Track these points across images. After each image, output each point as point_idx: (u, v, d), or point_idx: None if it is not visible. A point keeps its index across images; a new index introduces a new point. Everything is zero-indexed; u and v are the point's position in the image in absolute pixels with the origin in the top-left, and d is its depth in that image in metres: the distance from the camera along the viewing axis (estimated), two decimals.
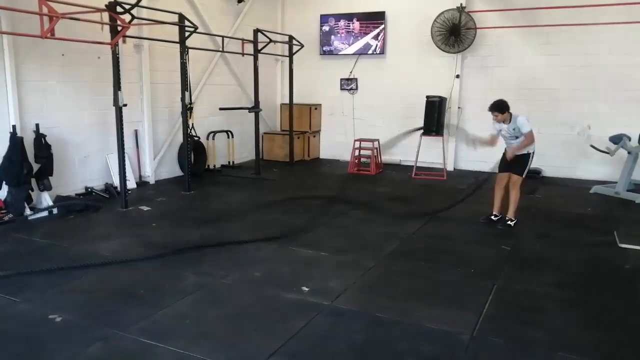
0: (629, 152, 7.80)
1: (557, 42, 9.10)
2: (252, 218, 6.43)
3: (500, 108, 5.88)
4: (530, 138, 5.90)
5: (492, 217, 6.28)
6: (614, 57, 8.73)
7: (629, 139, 7.80)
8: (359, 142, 9.89)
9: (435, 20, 9.59)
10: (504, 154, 6.17)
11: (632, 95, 8.68)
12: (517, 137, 5.96)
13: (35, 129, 6.36)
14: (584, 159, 9.15)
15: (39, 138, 6.35)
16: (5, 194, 6.09)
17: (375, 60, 10.68)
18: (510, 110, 5.92)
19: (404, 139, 9.75)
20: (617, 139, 7.85)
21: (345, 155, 10.56)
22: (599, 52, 8.82)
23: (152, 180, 8.39)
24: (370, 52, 10.59)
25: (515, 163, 6.03)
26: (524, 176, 6.08)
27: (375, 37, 10.44)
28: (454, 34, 9.48)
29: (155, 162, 8.48)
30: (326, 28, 10.90)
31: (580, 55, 8.96)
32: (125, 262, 4.76)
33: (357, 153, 9.88)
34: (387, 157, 10.39)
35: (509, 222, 6.10)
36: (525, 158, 6.02)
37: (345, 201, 7.19)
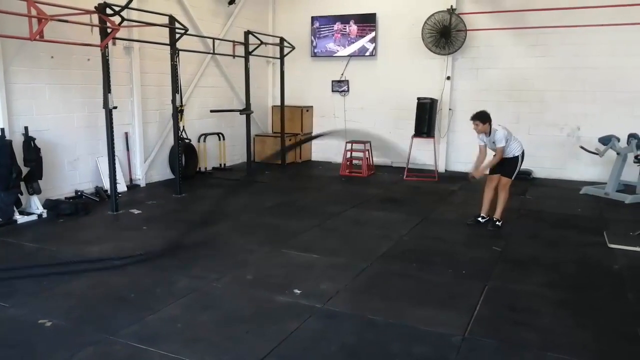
0: (618, 153, 7.88)
1: (547, 44, 9.17)
2: (244, 220, 6.41)
3: (481, 117, 5.97)
4: (499, 154, 5.99)
5: (480, 218, 6.30)
6: (603, 58, 8.81)
7: (618, 140, 7.88)
8: (350, 144, 9.90)
9: (425, 22, 9.63)
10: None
11: (621, 96, 8.77)
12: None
13: (24, 132, 6.31)
14: (573, 160, 9.22)
15: (28, 141, 6.30)
16: None
17: (367, 62, 10.70)
18: (493, 123, 6.02)
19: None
20: (606, 140, 7.93)
21: (337, 157, 10.57)
22: (588, 53, 8.90)
23: (142, 183, 8.34)
24: (367, 54, 10.60)
25: (504, 165, 6.08)
26: (513, 178, 6.13)
27: (372, 41, 10.47)
28: (445, 36, 9.53)
29: (146, 165, 8.43)
30: (317, 30, 10.92)
31: (569, 56, 9.03)
32: (116, 265, 4.73)
33: (348, 155, 9.89)
34: (378, 159, 10.41)
35: (497, 223, 6.13)
36: (514, 160, 6.07)
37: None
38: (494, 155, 6.09)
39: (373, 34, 10.45)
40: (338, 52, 10.84)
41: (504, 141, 5.94)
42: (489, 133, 6.01)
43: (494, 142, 6.01)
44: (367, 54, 10.59)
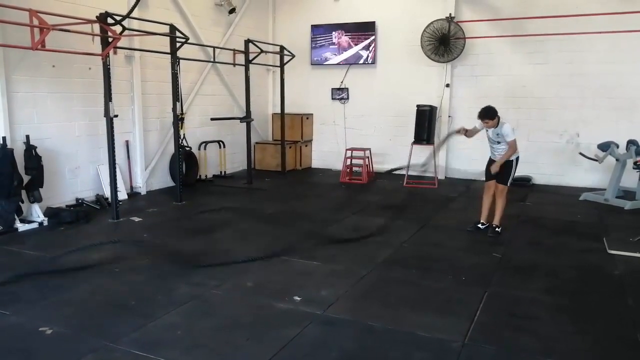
0: (617, 160, 7.89)
1: (545, 51, 9.21)
2: (244, 228, 6.42)
3: (489, 115, 5.89)
4: (513, 147, 5.92)
5: (479, 225, 6.30)
6: (601, 65, 8.85)
7: (617, 146, 7.90)
8: (350, 151, 9.93)
9: (424, 30, 9.69)
10: (489, 162, 6.23)
11: (620, 103, 8.80)
12: (499, 142, 6.01)
13: (25, 141, 6.34)
14: (573, 167, 9.24)
15: (30, 149, 6.32)
16: None
17: (366, 70, 10.75)
18: (499, 115, 5.97)
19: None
20: (605, 147, 7.95)
21: (337, 165, 10.60)
22: (587, 60, 8.94)
23: (143, 191, 8.36)
24: (361, 62, 10.67)
25: (499, 171, 6.06)
26: (508, 184, 6.12)
27: (367, 48, 10.53)
28: (444, 43, 9.58)
29: (147, 173, 8.46)
30: (317, 38, 10.98)
31: (567, 63, 9.07)
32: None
33: (348, 162, 9.91)
34: (378, 166, 10.43)
35: (497, 230, 6.14)
36: (509, 165, 6.04)
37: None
38: (502, 155, 6.02)
39: (372, 42, 10.50)
40: (338, 60, 10.89)
41: (513, 134, 5.88)
42: (496, 125, 5.93)
43: (498, 135, 5.94)
44: (367, 61, 10.64)
